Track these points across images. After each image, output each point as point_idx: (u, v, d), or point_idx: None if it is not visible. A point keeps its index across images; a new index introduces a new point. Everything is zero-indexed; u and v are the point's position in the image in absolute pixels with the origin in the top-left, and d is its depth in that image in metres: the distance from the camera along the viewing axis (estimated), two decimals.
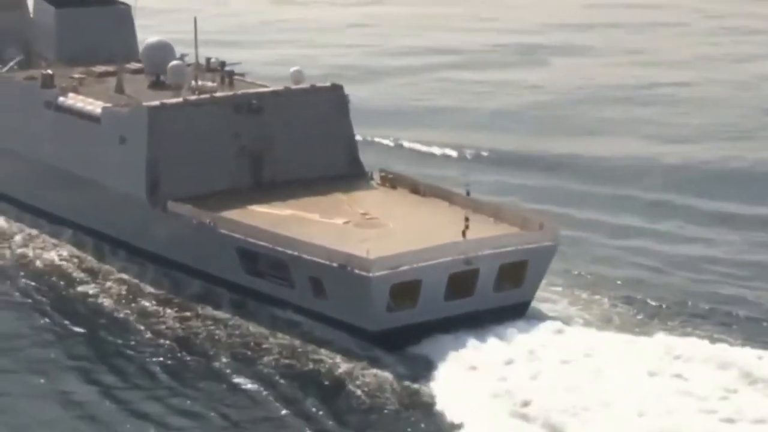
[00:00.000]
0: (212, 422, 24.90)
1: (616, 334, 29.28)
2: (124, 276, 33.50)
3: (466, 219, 28.87)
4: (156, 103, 33.20)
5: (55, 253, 35.84)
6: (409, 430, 24.37)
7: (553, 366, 26.21)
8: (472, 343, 27.11)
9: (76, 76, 38.29)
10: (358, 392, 26.03)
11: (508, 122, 55.94)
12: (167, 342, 29.04)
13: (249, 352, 28.34)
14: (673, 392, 25.70)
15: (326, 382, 26.58)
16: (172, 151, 33.03)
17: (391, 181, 34.20)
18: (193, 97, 34.31)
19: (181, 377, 27.23)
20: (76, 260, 35.32)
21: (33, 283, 33.74)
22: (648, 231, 39.51)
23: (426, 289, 27.77)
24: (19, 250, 36.15)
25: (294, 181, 33.67)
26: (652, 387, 26.01)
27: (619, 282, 33.34)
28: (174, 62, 36.13)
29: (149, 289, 32.38)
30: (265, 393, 26.05)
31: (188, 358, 28.16)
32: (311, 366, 27.20)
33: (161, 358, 28.05)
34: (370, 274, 26.46)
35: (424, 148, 50.98)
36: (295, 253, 27.92)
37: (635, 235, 38.97)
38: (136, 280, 33.01)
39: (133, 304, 31.54)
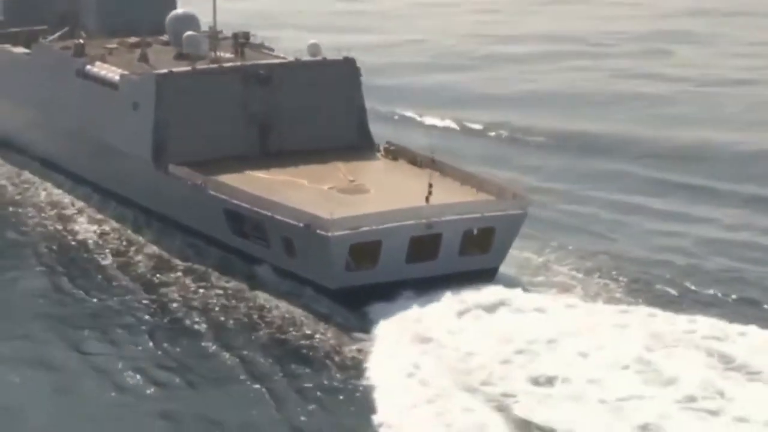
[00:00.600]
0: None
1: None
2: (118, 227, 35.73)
3: (430, 185, 29.38)
4: (164, 70, 34.52)
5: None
6: (335, 384, 25.39)
7: (501, 331, 26.59)
8: (420, 303, 27.90)
9: (109, 46, 39.71)
10: (298, 341, 27.51)
11: None
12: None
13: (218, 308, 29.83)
14: (622, 358, 26.13)
15: (275, 333, 28.21)
16: (178, 117, 34.54)
17: (393, 153, 35.27)
18: (202, 66, 35.12)
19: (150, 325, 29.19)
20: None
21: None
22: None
23: (386, 250, 28.79)
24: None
25: (301, 151, 34.58)
26: (603, 357, 26.32)
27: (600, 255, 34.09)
28: (189, 33, 37.28)
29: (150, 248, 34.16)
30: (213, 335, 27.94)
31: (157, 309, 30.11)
32: (266, 318, 28.84)
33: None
34: (329, 234, 27.49)
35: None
36: (269, 214, 28.87)
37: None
38: (136, 235, 34.89)
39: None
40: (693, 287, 32.75)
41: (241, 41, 39.08)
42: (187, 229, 34.17)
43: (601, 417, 24.78)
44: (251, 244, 31.64)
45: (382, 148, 36.27)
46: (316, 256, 28.59)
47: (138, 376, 26.31)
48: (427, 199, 29.07)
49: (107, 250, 34.78)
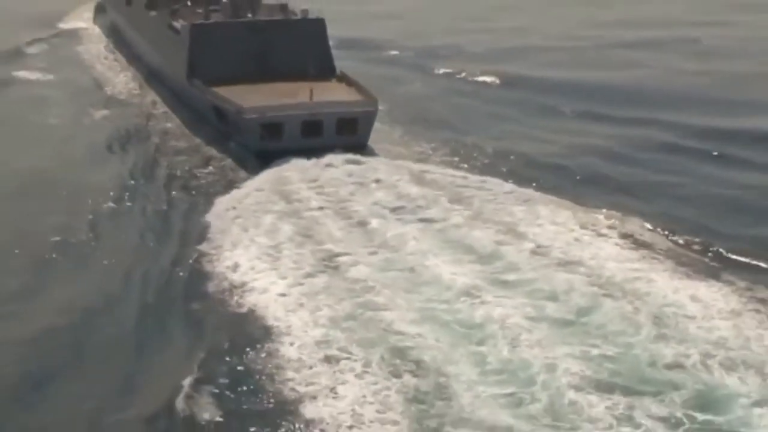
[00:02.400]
0: None
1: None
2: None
3: (311, 90, 41.79)
4: (196, 22, 48.19)
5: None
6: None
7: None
8: (301, 161, 38.77)
9: (198, 11, 51.56)
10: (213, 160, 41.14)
11: None
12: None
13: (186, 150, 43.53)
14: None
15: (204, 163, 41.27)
16: (202, 52, 46.29)
17: (339, 78, 46.59)
18: (221, 21, 48.52)
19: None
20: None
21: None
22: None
23: (287, 129, 40.51)
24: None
25: (284, 76, 45.03)
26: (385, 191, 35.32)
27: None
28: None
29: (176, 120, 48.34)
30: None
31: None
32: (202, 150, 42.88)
33: None
34: (245, 116, 40.93)
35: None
36: (226, 107, 42.24)
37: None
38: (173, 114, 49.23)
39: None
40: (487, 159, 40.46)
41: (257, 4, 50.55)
42: (198, 114, 46.61)
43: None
44: (223, 126, 43.39)
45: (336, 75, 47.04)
46: (244, 131, 41.49)
47: None
48: (310, 97, 41.50)
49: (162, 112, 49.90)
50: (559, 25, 74.68)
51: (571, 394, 22.02)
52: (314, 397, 22.39)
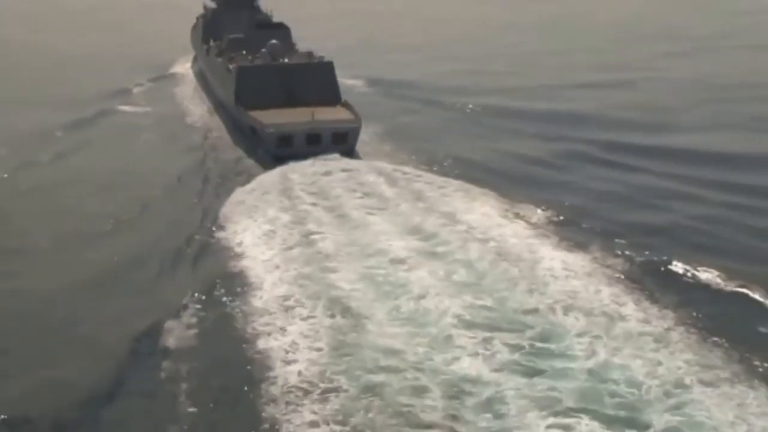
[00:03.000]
0: None
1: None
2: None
3: (312, 112, 42.29)
4: (241, 64, 49.17)
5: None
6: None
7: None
8: (304, 163, 39.13)
9: (249, 57, 52.18)
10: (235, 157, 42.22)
11: None
12: None
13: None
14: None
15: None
16: (245, 86, 47.06)
17: (342, 104, 46.42)
18: (260, 63, 49.41)
19: None
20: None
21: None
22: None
23: (295, 140, 41.54)
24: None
25: (305, 103, 45.25)
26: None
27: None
28: (268, 45, 50.97)
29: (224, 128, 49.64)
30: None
31: None
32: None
33: None
34: (266, 131, 42.07)
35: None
36: (255, 124, 43.48)
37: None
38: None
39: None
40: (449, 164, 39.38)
41: (287, 52, 51.45)
42: (241, 131, 46.64)
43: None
44: (254, 138, 43.66)
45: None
46: (266, 141, 42.24)
47: None
48: (312, 118, 42.00)
49: (218, 131, 49.52)
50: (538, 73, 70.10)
51: (451, 331, 22.45)
52: (268, 334, 22.83)
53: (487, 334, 21.88)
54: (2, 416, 19.40)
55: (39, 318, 24.49)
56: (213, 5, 69.45)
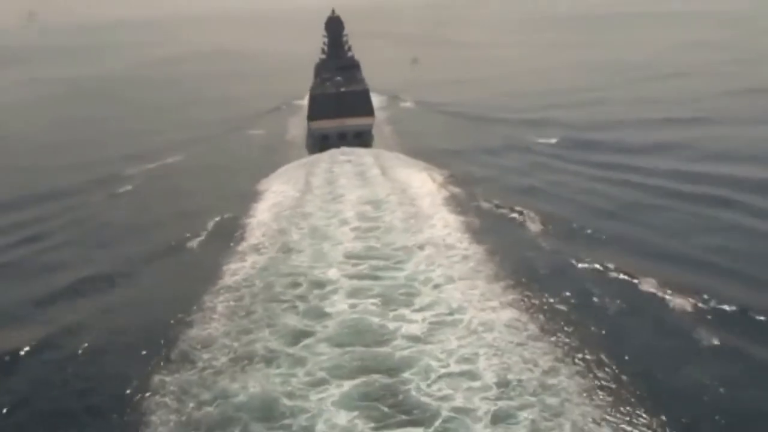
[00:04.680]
0: None
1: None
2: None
3: (343, 121, 54.28)
4: (313, 92, 60.81)
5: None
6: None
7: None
8: (336, 152, 49.31)
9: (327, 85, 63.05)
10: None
11: None
12: None
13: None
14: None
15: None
16: (316, 107, 57.32)
17: (372, 116, 56.10)
18: (327, 91, 59.88)
19: None
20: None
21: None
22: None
23: (330, 136, 53.71)
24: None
25: (349, 115, 55.91)
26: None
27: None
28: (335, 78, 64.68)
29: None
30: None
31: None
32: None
33: None
34: (312, 127, 57.93)
35: None
36: (311, 129, 58.11)
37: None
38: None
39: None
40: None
41: (349, 83, 62.48)
42: (311, 137, 56.96)
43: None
44: (311, 137, 55.46)
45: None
46: (314, 138, 55.29)
47: None
48: (342, 122, 54.73)
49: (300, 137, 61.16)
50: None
51: (354, 283, 26.57)
52: (237, 289, 27.05)
53: (382, 300, 25.53)
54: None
55: None
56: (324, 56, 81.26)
